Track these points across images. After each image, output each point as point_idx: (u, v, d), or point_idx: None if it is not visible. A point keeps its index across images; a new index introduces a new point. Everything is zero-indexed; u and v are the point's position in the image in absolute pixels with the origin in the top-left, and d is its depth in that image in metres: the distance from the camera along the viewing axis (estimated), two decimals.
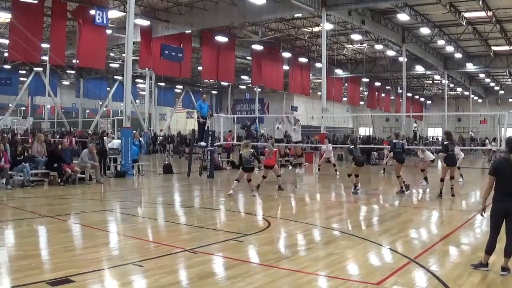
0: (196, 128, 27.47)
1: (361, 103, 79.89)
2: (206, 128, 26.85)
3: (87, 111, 72.13)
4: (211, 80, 62.54)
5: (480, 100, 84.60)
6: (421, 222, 13.93)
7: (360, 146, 24.26)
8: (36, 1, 32.94)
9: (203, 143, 26.44)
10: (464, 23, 40.92)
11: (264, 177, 20.48)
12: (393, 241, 10.89)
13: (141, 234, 11.48)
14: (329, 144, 31.23)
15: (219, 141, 29.47)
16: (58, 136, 42.17)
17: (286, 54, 53.79)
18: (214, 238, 11.01)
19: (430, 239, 11.28)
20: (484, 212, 8.62)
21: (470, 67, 59.72)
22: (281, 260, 9.10)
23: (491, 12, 38.51)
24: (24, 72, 59.94)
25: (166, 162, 29.54)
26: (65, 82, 72.30)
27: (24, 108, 65.02)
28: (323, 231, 12.21)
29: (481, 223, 13.29)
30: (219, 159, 31.73)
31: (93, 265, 8.49)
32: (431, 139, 71.62)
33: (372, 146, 39.91)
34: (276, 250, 10.24)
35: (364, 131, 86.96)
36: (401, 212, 15.56)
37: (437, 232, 12.08)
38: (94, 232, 11.43)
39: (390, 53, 54.04)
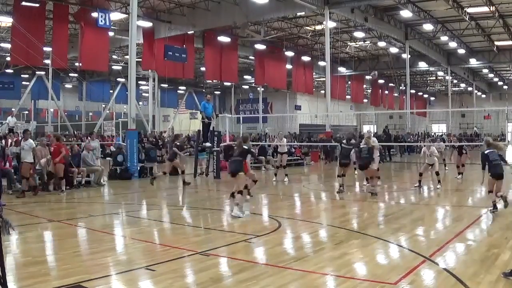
0: (201, 129, 27.33)
1: (365, 100, 79.95)
2: (212, 128, 26.74)
3: (90, 114, 72.10)
4: (214, 81, 62.39)
5: (483, 96, 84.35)
6: (433, 219, 13.83)
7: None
8: (37, 5, 32.91)
9: (208, 144, 26.32)
10: (467, 19, 40.79)
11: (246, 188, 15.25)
12: (406, 239, 10.79)
13: (150, 237, 11.38)
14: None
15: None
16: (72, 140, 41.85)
17: (289, 53, 53.60)
18: (225, 240, 10.94)
19: (443, 236, 11.11)
20: None
21: (473, 62, 59.64)
22: (294, 261, 8.97)
23: (494, 7, 38.37)
24: (26, 76, 59.84)
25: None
26: (68, 85, 72.22)
27: (27, 112, 64.92)
28: (334, 231, 12.07)
29: (492, 220, 13.20)
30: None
31: (104, 270, 8.39)
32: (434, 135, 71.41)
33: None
34: (289, 251, 10.15)
35: (368, 129, 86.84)
36: (412, 210, 15.44)
37: (450, 229, 11.96)
38: (103, 236, 11.35)
39: (393, 50, 53.81)
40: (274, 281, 7.78)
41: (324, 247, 10.26)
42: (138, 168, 26.12)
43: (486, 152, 14.18)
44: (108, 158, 29.44)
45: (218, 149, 26.31)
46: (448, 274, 7.96)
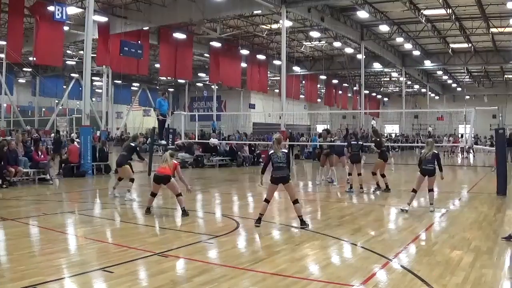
0: (156, 126, 27.03)
1: (319, 100, 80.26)
2: (167, 126, 26.52)
3: (43, 109, 71.08)
4: (168, 78, 62.04)
5: (437, 97, 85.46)
6: (392, 220, 13.84)
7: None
8: None
9: (163, 142, 26.07)
10: (423, 21, 41.19)
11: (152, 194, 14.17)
12: (367, 240, 10.69)
13: (107, 237, 11.12)
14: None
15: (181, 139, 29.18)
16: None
17: (244, 51, 53.51)
18: (183, 241, 10.71)
19: (405, 237, 11.05)
20: None
21: (428, 64, 60.48)
22: (256, 262, 8.83)
23: (450, 9, 38.80)
24: None
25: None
26: (21, 80, 71.06)
27: None
28: (294, 231, 11.90)
29: (451, 221, 13.24)
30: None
31: (61, 272, 8.10)
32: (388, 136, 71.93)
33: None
34: (250, 252, 10.00)
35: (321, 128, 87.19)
36: (371, 210, 15.38)
37: (410, 230, 11.88)
38: (58, 235, 11.02)
39: (349, 50, 54.16)
40: (235, 283, 7.63)
41: (285, 248, 10.01)
42: (93, 166, 25.73)
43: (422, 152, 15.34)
44: None
45: (174, 146, 26.12)
46: (413, 276, 7.92)
